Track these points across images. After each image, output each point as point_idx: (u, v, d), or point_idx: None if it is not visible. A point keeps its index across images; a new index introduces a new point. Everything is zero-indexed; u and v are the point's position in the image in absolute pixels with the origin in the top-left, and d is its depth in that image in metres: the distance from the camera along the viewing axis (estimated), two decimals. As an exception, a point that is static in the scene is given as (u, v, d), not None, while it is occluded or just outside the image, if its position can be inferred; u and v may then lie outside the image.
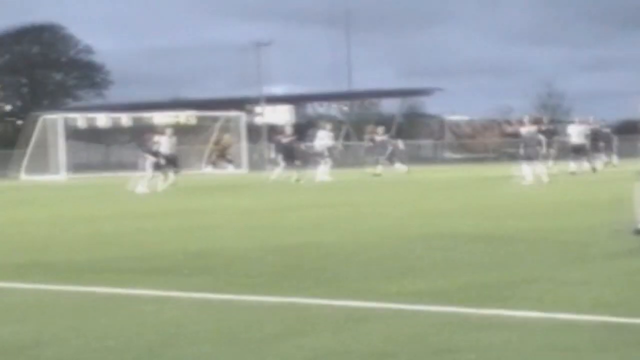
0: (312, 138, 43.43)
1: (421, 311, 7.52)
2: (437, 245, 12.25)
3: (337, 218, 17.75)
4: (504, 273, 9.51)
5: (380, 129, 44.29)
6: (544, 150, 32.39)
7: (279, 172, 38.37)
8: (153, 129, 35.35)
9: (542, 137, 31.99)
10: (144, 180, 30.67)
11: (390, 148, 42.94)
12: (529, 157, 31.17)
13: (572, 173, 36.51)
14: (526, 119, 33.47)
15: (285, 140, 39.54)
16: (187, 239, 14.17)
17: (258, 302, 8.14)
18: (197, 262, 11.08)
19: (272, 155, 41.70)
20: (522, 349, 6.11)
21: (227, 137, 58.76)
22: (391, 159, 42.52)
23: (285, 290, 8.68)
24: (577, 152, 38.58)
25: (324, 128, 42.59)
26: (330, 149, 41.46)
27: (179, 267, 10.62)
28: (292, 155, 38.92)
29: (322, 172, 39.25)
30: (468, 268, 9.94)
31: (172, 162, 33.12)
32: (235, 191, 30.86)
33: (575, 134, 38.89)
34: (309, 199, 24.99)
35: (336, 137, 50.13)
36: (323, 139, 41.29)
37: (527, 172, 30.68)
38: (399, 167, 41.84)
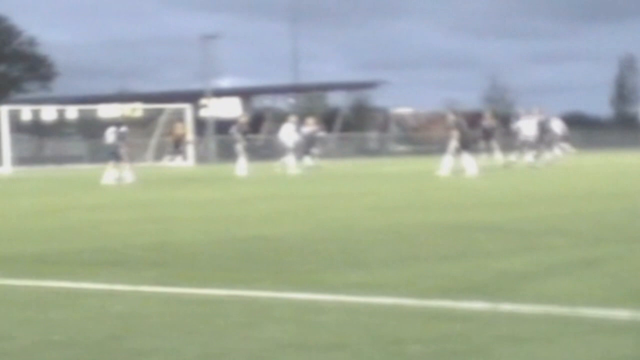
0: (265, 131, 43.42)
1: (372, 303, 7.58)
2: (389, 238, 12.34)
3: (289, 210, 17.79)
4: (455, 264, 9.60)
5: (311, 120, 44.08)
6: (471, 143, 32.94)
7: (243, 166, 37.78)
8: (124, 121, 35.45)
9: (464, 130, 32.58)
10: (127, 170, 32.13)
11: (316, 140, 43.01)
12: (462, 149, 31.75)
13: (507, 164, 36.99)
14: (450, 113, 34.04)
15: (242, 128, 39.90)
16: (139, 231, 14.12)
17: (209, 295, 8.15)
18: (148, 255, 11.05)
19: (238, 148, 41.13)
20: (469, 340, 6.19)
21: (179, 126, 58.10)
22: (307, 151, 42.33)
23: (236, 283, 8.70)
24: (526, 145, 39.08)
25: (289, 121, 42.40)
26: (296, 142, 41.29)
27: (130, 260, 10.59)
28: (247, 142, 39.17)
29: (293, 164, 39.15)
30: (419, 260, 10.02)
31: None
32: (188, 184, 30.77)
33: (525, 127, 39.35)
34: (261, 192, 25.01)
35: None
36: (289, 132, 41.17)
37: (466, 163, 31.22)
38: (307, 161, 41.54)
